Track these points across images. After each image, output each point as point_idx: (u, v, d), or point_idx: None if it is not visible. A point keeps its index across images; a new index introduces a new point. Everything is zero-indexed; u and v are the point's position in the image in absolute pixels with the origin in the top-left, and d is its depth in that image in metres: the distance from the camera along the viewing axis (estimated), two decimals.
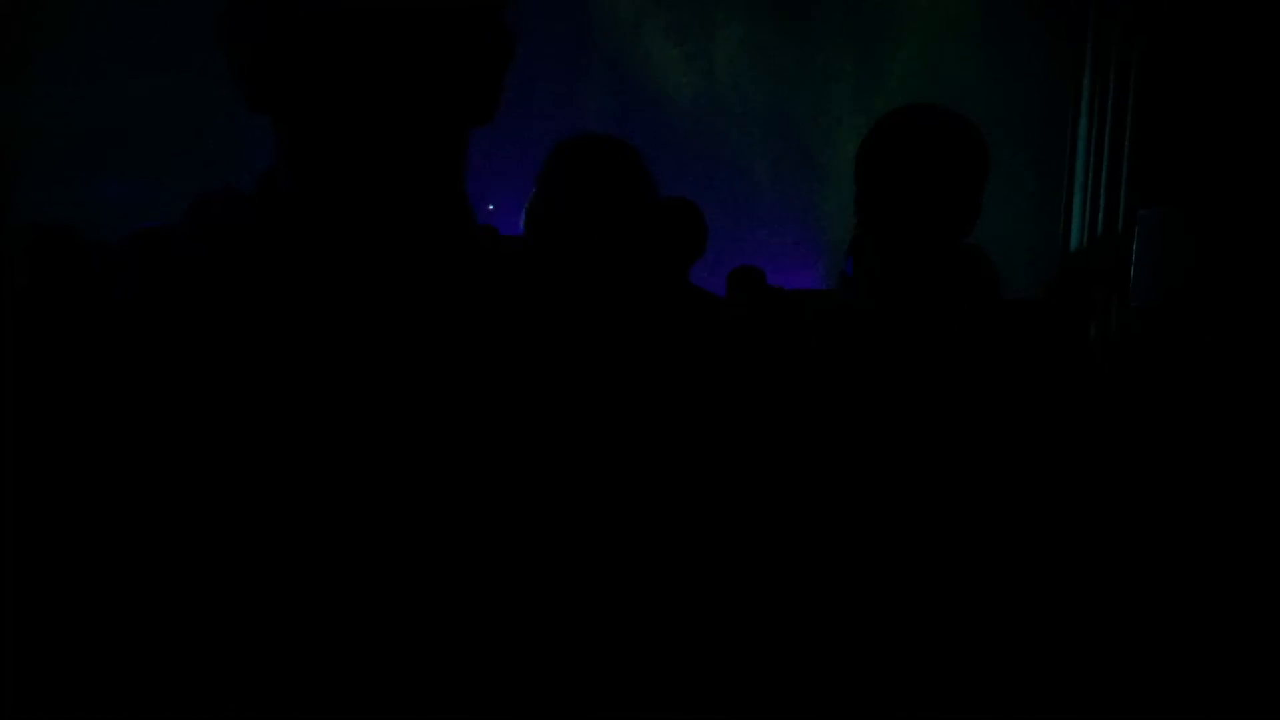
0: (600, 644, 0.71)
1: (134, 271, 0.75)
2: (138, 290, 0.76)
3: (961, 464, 1.49)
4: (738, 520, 0.78)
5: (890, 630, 1.42)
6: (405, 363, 0.70)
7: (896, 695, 1.41)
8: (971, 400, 1.52)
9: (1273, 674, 2.20)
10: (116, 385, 0.69)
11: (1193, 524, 2.41)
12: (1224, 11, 5.14)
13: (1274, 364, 3.56)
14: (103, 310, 0.76)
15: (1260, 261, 4.68)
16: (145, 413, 0.68)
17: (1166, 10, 5.38)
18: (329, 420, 0.68)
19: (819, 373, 1.55)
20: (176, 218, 3.44)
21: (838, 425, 1.51)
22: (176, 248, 0.76)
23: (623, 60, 6.46)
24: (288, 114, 0.70)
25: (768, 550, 0.80)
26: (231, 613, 0.66)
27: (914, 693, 1.41)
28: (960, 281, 1.58)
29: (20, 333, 0.73)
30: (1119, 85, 5.72)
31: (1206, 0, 5.20)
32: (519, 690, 0.69)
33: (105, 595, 0.66)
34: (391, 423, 0.69)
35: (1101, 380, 1.63)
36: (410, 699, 0.67)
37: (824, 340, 1.59)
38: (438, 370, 0.70)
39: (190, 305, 0.72)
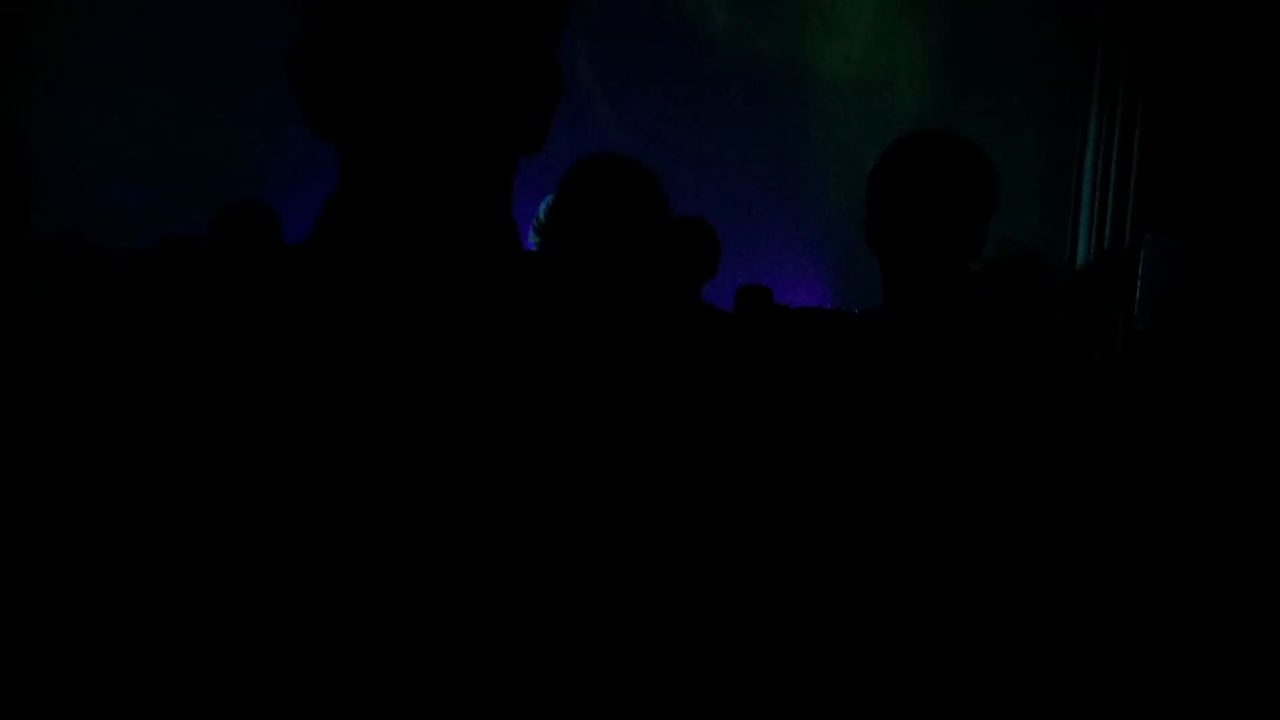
0: (611, 654, 0.72)
1: (163, 280, 0.76)
2: (169, 300, 0.77)
3: (966, 482, 1.51)
4: (748, 532, 0.80)
5: (899, 641, 1.43)
6: (445, 378, 0.72)
7: (898, 701, 1.42)
8: (976, 420, 1.53)
9: (1259, 685, 2.21)
10: (149, 392, 0.70)
11: (1196, 544, 2.42)
12: (1232, 37, 5.16)
13: (1277, 388, 3.57)
14: (134, 318, 0.77)
15: (1265, 287, 4.69)
16: (178, 419, 0.69)
17: (1174, 36, 5.41)
18: (364, 434, 0.70)
19: (827, 389, 1.57)
20: (184, 226, 3.46)
21: (845, 441, 1.52)
22: (209, 259, 0.77)
23: (630, 79, 6.49)
24: (351, 143, 0.74)
25: (777, 562, 0.81)
26: (242, 612, 0.67)
27: (916, 698, 1.42)
28: (967, 303, 1.60)
29: (41, 339, 0.74)
30: (1126, 110, 5.74)
31: (1214, 26, 5.23)
32: (521, 691, 0.70)
33: (122, 588, 0.67)
34: (422, 437, 0.70)
35: (1105, 402, 1.65)
36: (410, 699, 0.68)
37: (834, 358, 1.61)
38: (473, 385, 0.72)
39: (227, 318, 0.74)
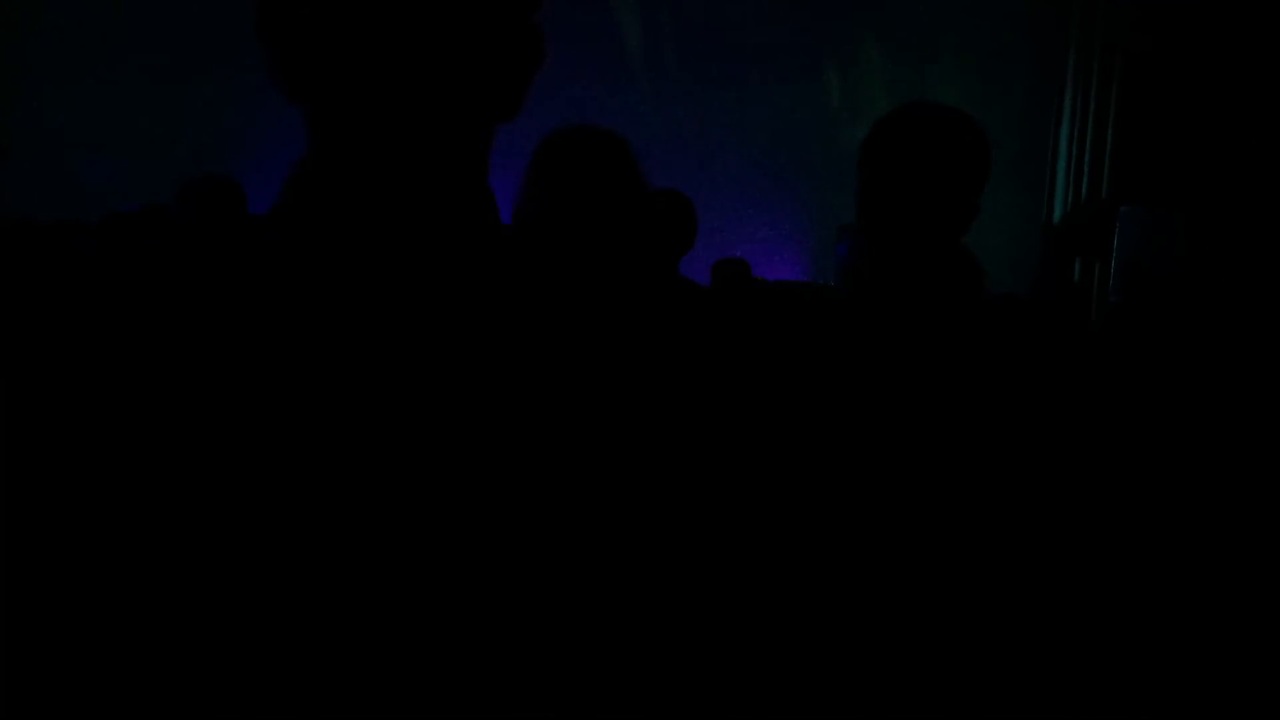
0: (594, 640, 0.72)
1: (119, 253, 0.75)
2: (128, 274, 0.76)
3: (945, 456, 1.51)
4: (728, 513, 0.79)
5: (883, 627, 1.43)
6: (418, 352, 0.71)
7: (886, 695, 1.42)
8: (957, 394, 1.53)
9: (1247, 677, 2.23)
10: (118, 375, 0.69)
11: (1170, 520, 2.44)
12: (1206, 9, 5.17)
13: (1253, 358, 3.60)
14: (96, 294, 0.76)
15: (1241, 258, 4.72)
16: (147, 404, 0.68)
17: (1149, 7, 5.42)
18: (337, 409, 0.69)
19: (810, 365, 1.56)
20: (155, 199, 3.43)
21: (828, 417, 1.52)
22: (178, 232, 0.76)
23: (608, 53, 6.46)
24: (322, 106, 0.72)
25: (760, 544, 0.81)
26: (238, 611, 0.67)
27: (903, 692, 1.43)
28: (953, 278, 1.59)
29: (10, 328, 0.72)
30: (1101, 83, 5.75)
31: (1189, 4, 5.24)
32: (518, 690, 0.70)
33: (111, 591, 0.67)
34: (398, 412, 0.70)
35: (1083, 375, 1.65)
36: (409, 699, 0.68)
37: (815, 333, 1.60)
38: (445, 361, 0.71)
39: (202, 291, 0.72)
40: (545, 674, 0.70)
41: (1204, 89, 5.18)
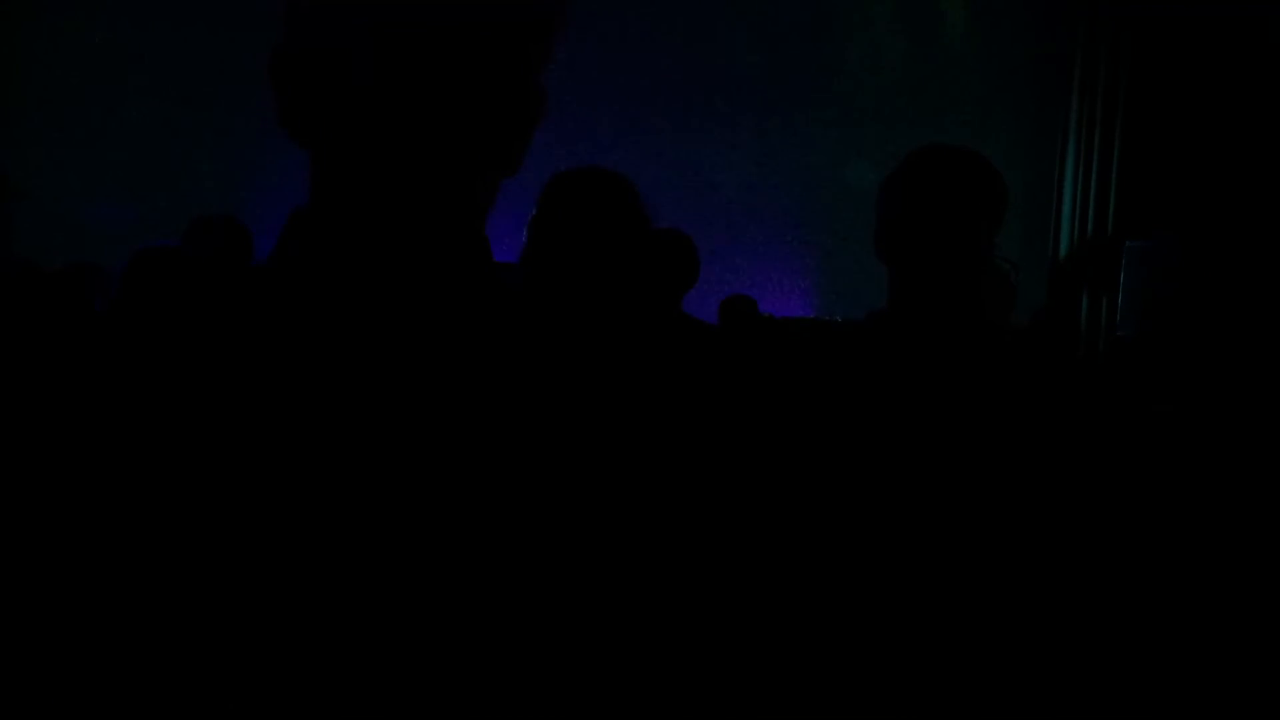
0: (600, 667, 0.72)
1: (143, 292, 0.76)
2: (148, 312, 0.77)
3: (949, 493, 1.51)
4: (735, 547, 0.79)
5: (892, 645, 1.44)
6: (416, 393, 0.71)
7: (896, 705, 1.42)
8: (960, 428, 1.54)
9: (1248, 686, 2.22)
10: (126, 406, 0.70)
11: (1178, 551, 2.43)
12: (1206, 48, 5.20)
13: (1259, 391, 3.59)
14: (113, 334, 0.77)
15: (1246, 292, 4.72)
16: (155, 436, 0.69)
17: (1150, 46, 5.45)
18: (339, 446, 0.70)
19: (818, 398, 1.57)
20: (165, 241, 3.45)
21: (835, 449, 1.53)
22: (187, 272, 0.77)
23: (616, 94, 6.51)
24: (328, 154, 0.73)
25: (768, 574, 0.81)
26: (239, 617, 0.67)
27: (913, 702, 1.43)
28: (966, 312, 1.61)
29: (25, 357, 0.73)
30: (1105, 119, 5.78)
31: (1190, 37, 5.27)
32: (519, 695, 0.70)
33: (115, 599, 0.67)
34: (398, 450, 0.70)
35: (1088, 408, 1.66)
36: (409, 704, 0.69)
37: (824, 367, 1.61)
38: (446, 400, 0.72)
39: (207, 330, 0.73)
40: (546, 677, 0.70)
41: (1209, 123, 5.20)
